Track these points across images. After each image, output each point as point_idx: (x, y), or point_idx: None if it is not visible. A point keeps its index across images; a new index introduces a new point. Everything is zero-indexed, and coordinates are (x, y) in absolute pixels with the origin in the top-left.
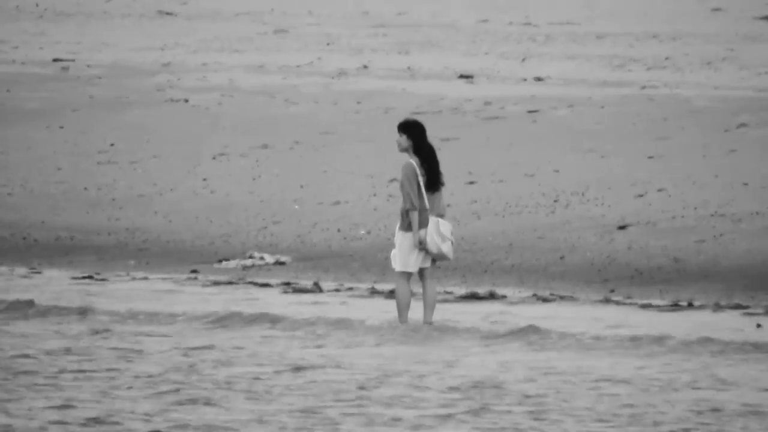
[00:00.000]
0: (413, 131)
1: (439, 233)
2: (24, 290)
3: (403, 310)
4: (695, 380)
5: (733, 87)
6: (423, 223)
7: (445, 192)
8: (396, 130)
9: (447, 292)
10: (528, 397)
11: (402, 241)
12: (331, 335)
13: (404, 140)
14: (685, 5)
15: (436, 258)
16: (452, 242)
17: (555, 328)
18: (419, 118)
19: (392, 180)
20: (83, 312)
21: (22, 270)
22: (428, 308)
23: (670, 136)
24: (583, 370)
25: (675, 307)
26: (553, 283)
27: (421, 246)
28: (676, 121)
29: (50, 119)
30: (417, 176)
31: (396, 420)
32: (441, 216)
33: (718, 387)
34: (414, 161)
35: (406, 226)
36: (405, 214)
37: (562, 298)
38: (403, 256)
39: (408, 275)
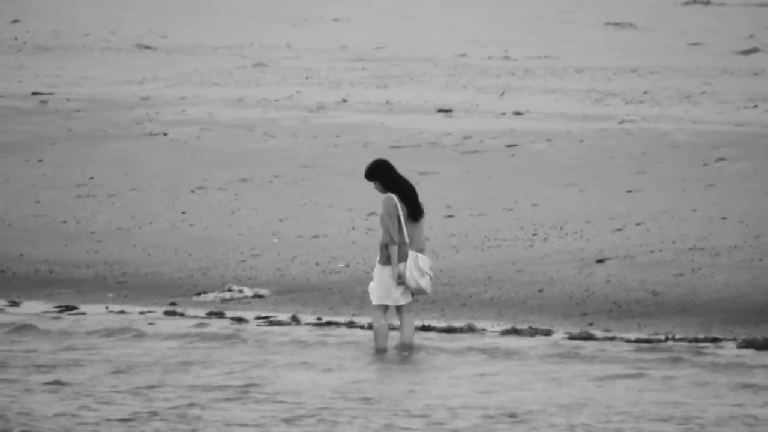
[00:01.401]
0: (378, 173)
1: (418, 268)
2: None
3: (381, 341)
4: None
5: (711, 121)
6: (402, 258)
7: (425, 225)
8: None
9: (425, 327)
10: None
11: (381, 274)
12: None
13: (377, 185)
14: (664, 39)
15: (415, 292)
16: (431, 277)
17: None
18: (398, 152)
19: (371, 213)
20: None
21: (1, 302)
22: (406, 340)
23: (648, 170)
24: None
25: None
26: (531, 316)
27: (400, 280)
28: (655, 155)
29: (29, 152)
30: (397, 210)
31: None
32: (421, 250)
33: None
34: (395, 195)
35: (385, 260)
36: (384, 248)
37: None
38: (383, 290)
39: (385, 308)
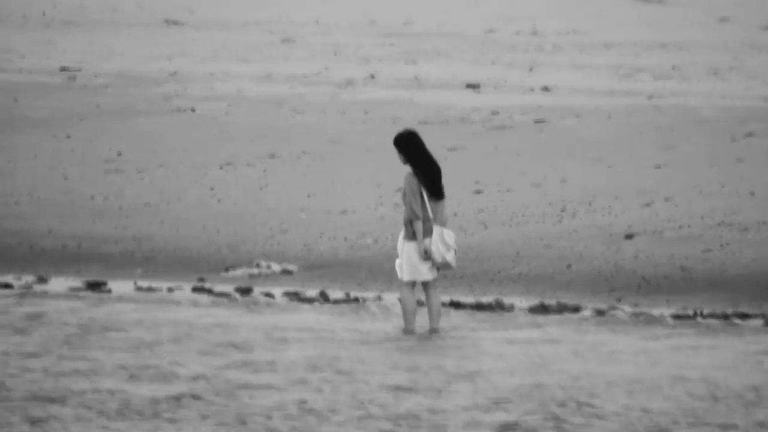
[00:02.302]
0: (403, 145)
1: (444, 242)
2: None
3: (409, 317)
4: None
5: (739, 96)
6: (427, 233)
7: (453, 201)
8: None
9: (453, 303)
10: None
11: (407, 250)
12: None
13: (400, 155)
14: (692, 15)
15: (440, 267)
16: (455, 251)
17: None
18: (426, 127)
19: (399, 189)
20: None
21: (29, 278)
22: (434, 316)
23: (676, 146)
24: None
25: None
26: (559, 292)
27: (426, 255)
28: (683, 131)
29: (57, 128)
30: (419, 186)
31: None
32: (443, 225)
33: None
34: (416, 171)
35: (410, 236)
36: (408, 224)
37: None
38: (411, 266)
39: (412, 283)
